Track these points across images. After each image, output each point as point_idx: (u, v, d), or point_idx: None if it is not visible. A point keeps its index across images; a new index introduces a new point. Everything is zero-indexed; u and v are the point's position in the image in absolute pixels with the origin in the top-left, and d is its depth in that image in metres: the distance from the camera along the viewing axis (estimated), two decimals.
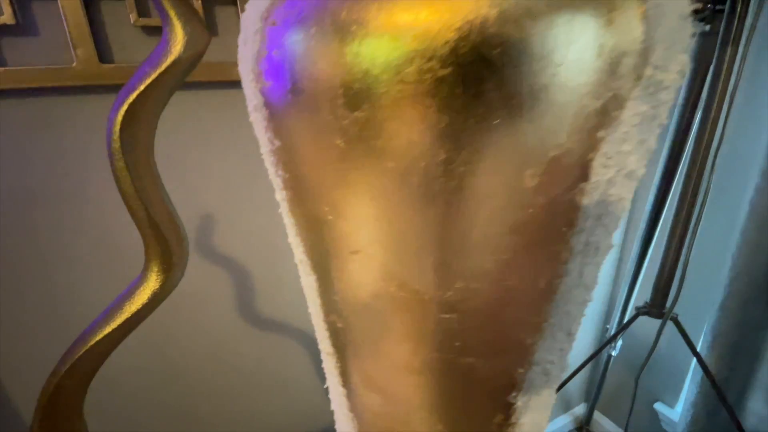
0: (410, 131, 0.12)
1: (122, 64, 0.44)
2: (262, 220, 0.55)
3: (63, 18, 0.40)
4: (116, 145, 0.18)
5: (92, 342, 0.22)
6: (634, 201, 0.88)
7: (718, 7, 0.46)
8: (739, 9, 0.44)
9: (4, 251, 0.44)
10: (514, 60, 0.10)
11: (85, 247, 0.47)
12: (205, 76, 0.47)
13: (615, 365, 0.94)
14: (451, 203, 0.13)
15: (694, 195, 0.48)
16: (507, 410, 0.19)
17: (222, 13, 0.47)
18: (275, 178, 0.17)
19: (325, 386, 0.25)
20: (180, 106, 0.48)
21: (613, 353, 0.88)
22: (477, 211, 0.13)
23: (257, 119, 0.16)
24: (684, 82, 0.53)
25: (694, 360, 0.65)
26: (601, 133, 0.12)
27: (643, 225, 0.66)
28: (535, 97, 0.11)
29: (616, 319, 0.79)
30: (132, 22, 0.43)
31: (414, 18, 0.11)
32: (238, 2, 0.46)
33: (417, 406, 0.19)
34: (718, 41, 0.45)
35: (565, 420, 1.09)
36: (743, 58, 0.42)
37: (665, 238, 0.55)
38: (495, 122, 0.11)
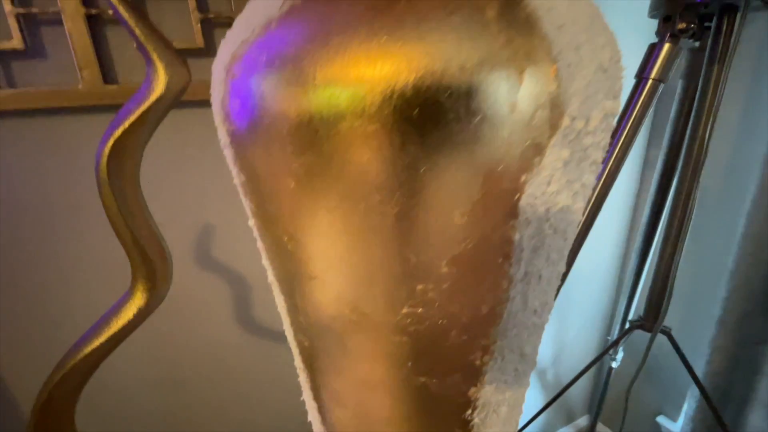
0: (353, 176, 0.13)
1: (126, 85, 0.46)
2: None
3: (69, 42, 0.43)
4: (103, 175, 0.20)
5: (82, 355, 0.23)
6: (634, 213, 0.88)
7: (706, 24, 0.47)
8: (724, 27, 0.45)
9: (8, 262, 0.47)
10: (434, 117, 0.12)
11: (87, 257, 0.50)
12: (202, 95, 0.49)
13: (619, 378, 0.93)
14: (392, 236, 0.14)
15: (684, 210, 0.48)
16: (465, 427, 0.20)
17: (220, 34, 0.49)
18: (245, 206, 0.19)
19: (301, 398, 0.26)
20: (179, 122, 0.50)
21: (614, 365, 0.87)
22: (416, 243, 0.14)
23: (227, 154, 0.18)
24: (675, 98, 0.53)
25: (699, 373, 0.65)
26: (523, 178, 0.13)
27: (640, 238, 0.66)
28: (455, 148, 0.12)
29: (616, 332, 0.79)
30: (135, 46, 0.45)
31: (341, 74, 0.12)
32: None
33: (381, 420, 0.20)
34: (705, 58, 0.46)
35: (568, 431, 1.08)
36: (727, 76, 0.42)
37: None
38: (421, 170, 0.13)
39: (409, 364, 0.17)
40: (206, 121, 0.51)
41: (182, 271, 0.55)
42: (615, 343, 0.59)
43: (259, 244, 0.20)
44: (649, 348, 0.53)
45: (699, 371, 0.73)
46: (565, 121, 0.13)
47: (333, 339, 0.18)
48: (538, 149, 0.13)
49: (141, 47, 0.19)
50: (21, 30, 0.41)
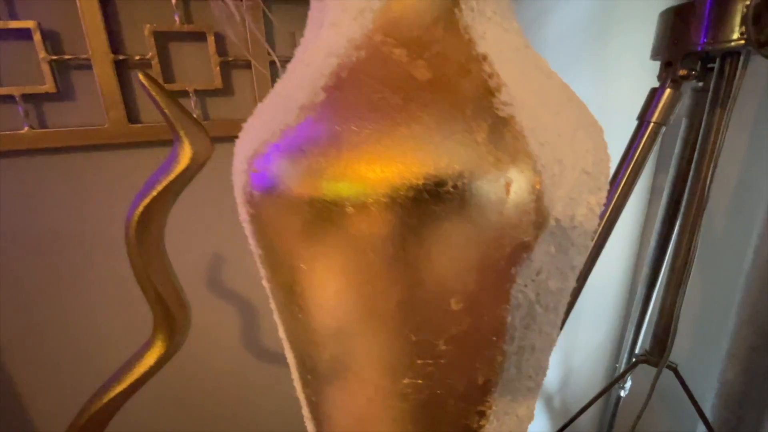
0: (357, 263, 0.15)
1: (148, 124, 0.49)
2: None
3: (98, 85, 0.45)
4: (132, 238, 0.22)
5: (106, 398, 0.25)
6: (642, 241, 0.88)
7: (710, 65, 0.48)
8: (727, 71, 0.46)
9: (39, 288, 0.49)
10: (428, 221, 0.13)
11: (111, 285, 0.52)
12: (221, 132, 0.51)
13: (627, 407, 0.92)
14: (394, 317, 0.16)
15: (687, 249, 0.48)
16: None
17: (237, 75, 0.52)
18: (261, 272, 0.20)
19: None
20: None
21: (623, 394, 0.86)
22: (416, 324, 0.16)
23: (247, 229, 0.19)
24: (679, 135, 0.54)
25: (707, 408, 0.64)
26: (513, 270, 0.15)
27: (647, 270, 0.66)
28: (449, 247, 0.14)
29: (624, 359, 0.78)
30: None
31: (343, 174, 0.14)
32: (252, 67, 0.51)
33: None
34: (708, 100, 0.47)
35: None
36: (729, 119, 0.43)
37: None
38: (419, 264, 0.14)
39: (409, 427, 0.18)
40: (223, 156, 0.53)
41: (193, 297, 0.57)
42: (620, 377, 0.59)
43: (272, 304, 0.22)
44: (653, 385, 0.53)
45: (707, 405, 0.72)
46: (551, 222, 0.14)
47: (338, 400, 0.20)
48: (525, 247, 0.14)
49: (170, 124, 0.21)
50: (53, 74, 0.44)
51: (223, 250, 0.57)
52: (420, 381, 0.17)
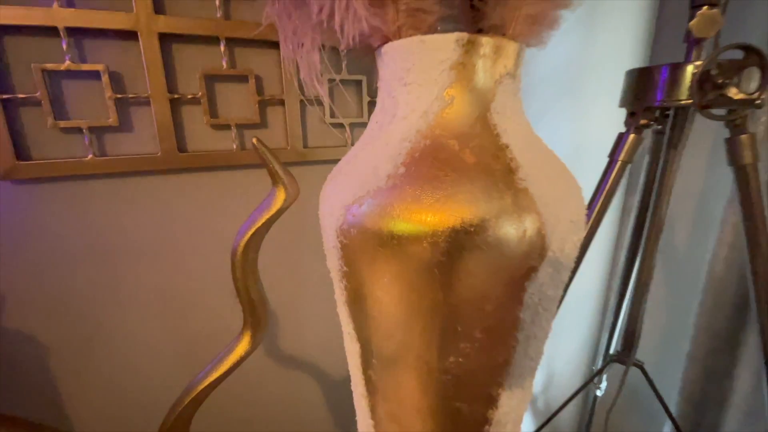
0: (419, 279, 0.23)
1: (193, 153, 0.56)
2: (286, 272, 0.65)
3: (154, 119, 0.52)
4: (238, 259, 0.29)
5: (202, 385, 0.32)
6: (614, 257, 0.98)
7: (666, 112, 0.58)
8: (679, 121, 0.56)
9: (84, 300, 0.55)
10: (466, 251, 0.21)
11: (153, 293, 0.58)
12: (256, 160, 0.59)
13: (604, 407, 1.01)
14: (445, 315, 0.24)
15: (650, 263, 0.58)
16: None
17: (271, 111, 0.59)
18: (338, 284, 0.28)
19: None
20: (230, 184, 0.59)
21: (599, 393, 0.95)
22: (460, 319, 0.24)
23: (333, 254, 0.27)
24: (642, 170, 0.64)
25: (672, 405, 0.73)
26: (525, 284, 0.23)
27: (618, 281, 0.76)
28: (483, 270, 0.22)
29: (599, 363, 0.87)
30: (205, 122, 0.55)
31: (421, 219, 0.22)
32: (285, 104, 0.58)
33: None
34: (665, 142, 0.57)
35: None
36: (680, 158, 0.54)
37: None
38: (462, 281, 0.22)
39: (450, 393, 0.26)
40: (258, 183, 0.60)
41: (220, 302, 0.63)
42: (596, 375, 0.68)
43: (340, 308, 0.30)
44: (623, 379, 0.62)
45: (673, 402, 0.82)
46: (550, 254, 0.23)
47: (396, 376, 0.27)
48: (533, 269, 0.23)
49: (272, 174, 0.29)
50: (117, 110, 0.51)
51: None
52: (461, 359, 0.25)
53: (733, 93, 0.45)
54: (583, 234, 0.25)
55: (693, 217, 0.81)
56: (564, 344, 1.02)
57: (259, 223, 0.29)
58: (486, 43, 0.23)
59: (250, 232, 0.29)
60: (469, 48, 0.23)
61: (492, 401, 0.27)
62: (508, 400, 0.28)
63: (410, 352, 0.26)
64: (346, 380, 0.31)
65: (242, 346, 0.32)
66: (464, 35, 0.23)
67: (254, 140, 0.28)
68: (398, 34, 0.25)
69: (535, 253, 0.22)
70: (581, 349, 1.05)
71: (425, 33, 0.24)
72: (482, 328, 0.24)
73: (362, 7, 0.24)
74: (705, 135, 0.72)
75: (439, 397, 0.27)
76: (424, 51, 0.24)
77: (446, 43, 0.23)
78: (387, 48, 0.25)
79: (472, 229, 0.21)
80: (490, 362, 0.25)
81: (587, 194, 0.56)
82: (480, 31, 0.25)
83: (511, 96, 0.25)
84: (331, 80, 0.57)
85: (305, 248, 0.66)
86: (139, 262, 0.56)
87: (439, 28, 0.24)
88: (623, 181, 0.95)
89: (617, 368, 0.72)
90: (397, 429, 0.30)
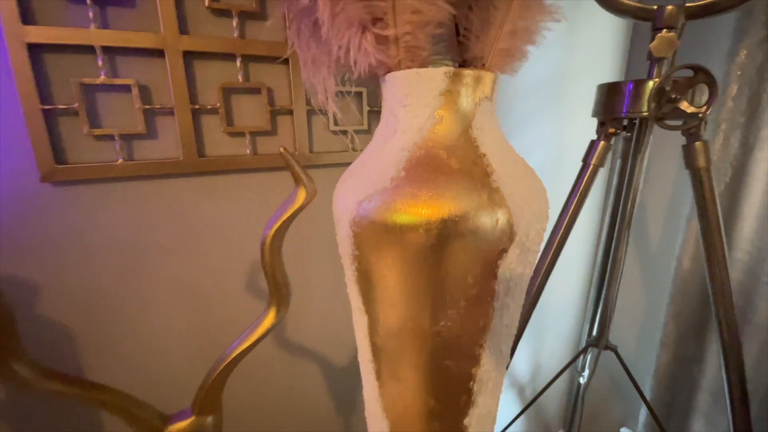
0: (415, 257, 0.29)
1: (210, 157, 0.62)
2: (292, 259, 0.72)
3: (177, 127, 0.59)
4: (267, 248, 0.35)
5: (234, 353, 0.38)
6: (595, 250, 1.06)
7: (634, 121, 0.65)
8: (643, 129, 0.63)
9: (117, 290, 0.61)
10: (453, 236, 0.28)
11: (170, 286, 0.64)
12: (268, 164, 0.65)
13: (592, 393, 1.09)
14: (436, 286, 0.30)
15: (620, 254, 0.65)
16: (468, 393, 0.35)
17: (281, 120, 0.65)
18: (348, 265, 0.34)
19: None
20: (244, 185, 0.66)
21: (582, 380, 1.02)
22: (448, 290, 0.30)
23: (346, 241, 0.33)
24: (615, 172, 0.72)
25: (648, 388, 0.80)
26: (498, 262, 0.29)
27: (596, 274, 0.83)
28: (465, 249, 0.28)
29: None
30: (222, 130, 0.61)
31: (418, 212, 0.28)
32: (294, 113, 0.65)
33: (421, 388, 0.35)
34: (631, 148, 0.64)
35: None
36: (644, 162, 0.61)
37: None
38: (449, 258, 0.29)
39: (441, 353, 0.33)
40: (281, 182, 0.66)
41: (236, 292, 0.69)
42: (576, 358, 0.75)
43: (351, 288, 0.36)
44: (595, 361, 0.69)
45: (647, 385, 0.89)
46: (517, 238, 0.29)
47: (398, 340, 0.34)
48: (504, 250, 0.29)
49: (295, 175, 0.35)
50: (144, 119, 0.57)
51: (256, 255, 0.69)
52: (449, 324, 0.31)
53: (685, 106, 0.52)
54: (545, 224, 0.32)
55: (664, 217, 0.88)
56: (550, 337, 1.09)
57: (284, 217, 0.35)
58: (467, 74, 0.30)
59: (277, 225, 0.35)
60: (455, 78, 0.30)
61: (475, 360, 0.34)
62: (488, 360, 0.34)
63: (409, 319, 0.32)
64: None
65: (269, 320, 0.38)
66: (450, 69, 0.29)
67: (281, 149, 0.34)
68: (399, 66, 0.31)
69: (506, 238, 0.29)
70: (567, 342, 1.12)
71: (420, 66, 0.30)
72: (466, 298, 0.30)
73: (371, 45, 0.30)
74: (675, 142, 0.79)
75: (432, 356, 0.33)
76: (419, 80, 0.30)
77: (437, 75, 0.30)
78: (390, 77, 0.32)
79: (457, 220, 0.28)
80: (473, 326, 0.32)
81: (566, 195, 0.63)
82: (465, 62, 0.32)
83: (489, 115, 0.32)
84: (337, 93, 0.63)
85: (313, 241, 0.72)
86: (163, 256, 0.62)
87: (433, 58, 0.31)
88: (601, 184, 1.03)
89: (606, 358, 0.79)
90: (398, 386, 0.36)
